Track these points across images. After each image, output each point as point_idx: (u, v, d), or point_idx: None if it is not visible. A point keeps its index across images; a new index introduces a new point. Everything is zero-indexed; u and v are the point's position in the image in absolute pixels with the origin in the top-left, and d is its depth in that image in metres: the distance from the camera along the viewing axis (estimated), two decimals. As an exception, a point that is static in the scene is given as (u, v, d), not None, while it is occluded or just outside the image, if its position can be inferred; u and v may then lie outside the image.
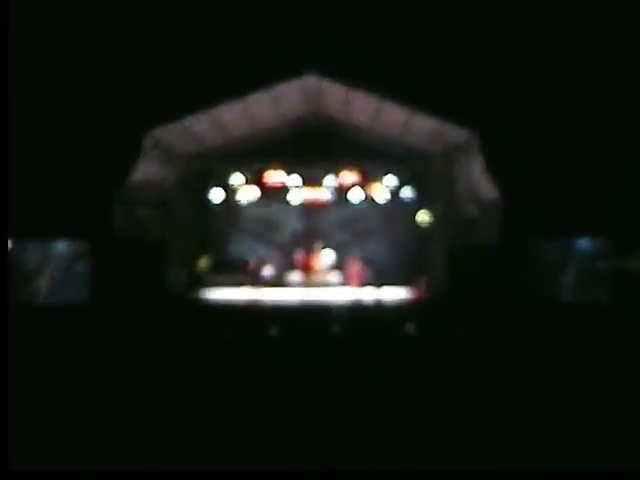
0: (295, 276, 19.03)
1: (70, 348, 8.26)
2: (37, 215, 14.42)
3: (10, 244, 14.62)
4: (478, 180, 16.11)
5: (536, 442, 4.77)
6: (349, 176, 19.66)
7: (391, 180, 19.73)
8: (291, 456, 4.63)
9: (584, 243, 15.02)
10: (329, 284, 18.58)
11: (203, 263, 18.92)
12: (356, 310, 14.37)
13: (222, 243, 20.27)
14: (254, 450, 4.71)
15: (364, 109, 17.02)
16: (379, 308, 15.05)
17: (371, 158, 18.96)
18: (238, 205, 20.24)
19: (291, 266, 19.36)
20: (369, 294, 16.47)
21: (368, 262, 18.01)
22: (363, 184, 19.76)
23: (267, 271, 18.82)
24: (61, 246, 15.48)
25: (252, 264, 18.62)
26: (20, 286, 14.56)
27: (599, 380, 6.41)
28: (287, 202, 20.09)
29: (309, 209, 20.26)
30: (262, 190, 19.80)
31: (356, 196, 19.78)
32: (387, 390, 6.16)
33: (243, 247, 20.20)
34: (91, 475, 4.31)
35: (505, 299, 13.86)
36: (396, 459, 4.57)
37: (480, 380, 6.51)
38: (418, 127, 16.76)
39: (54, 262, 15.29)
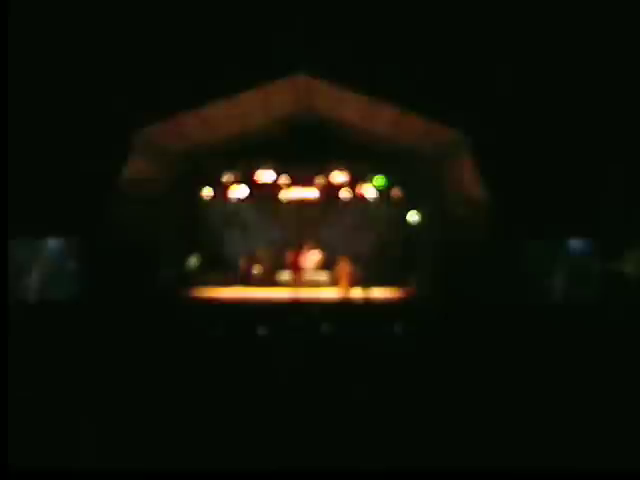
0: (284, 275, 19.02)
1: (59, 346, 8.28)
2: (27, 213, 14.36)
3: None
4: (468, 180, 16.15)
5: (526, 441, 4.80)
6: (339, 175, 19.70)
7: (381, 180, 19.76)
8: (281, 454, 4.65)
9: (574, 244, 15.11)
10: (318, 283, 18.67)
11: (193, 261, 18.91)
12: (345, 309, 14.44)
13: (212, 242, 20.32)
14: (244, 448, 4.73)
15: (354, 109, 17.02)
16: (367, 307, 15.10)
17: (361, 158, 19.02)
18: (228, 203, 20.31)
19: (280, 265, 19.33)
20: (358, 293, 16.54)
21: (357, 261, 18.07)
22: (353, 183, 19.83)
23: (256, 270, 18.87)
24: (51, 244, 15.45)
25: (242, 263, 18.64)
26: (11, 285, 14.53)
27: (585, 380, 6.43)
28: (277, 201, 20.16)
29: (299, 208, 20.31)
30: (252, 189, 19.80)
31: (346, 195, 19.86)
32: (373, 388, 6.17)
33: (233, 246, 20.25)
34: (87, 474, 4.36)
35: (494, 299, 13.92)
36: (385, 458, 4.58)
37: (467, 379, 6.52)
38: (408, 127, 16.75)
39: (44, 260, 15.27)
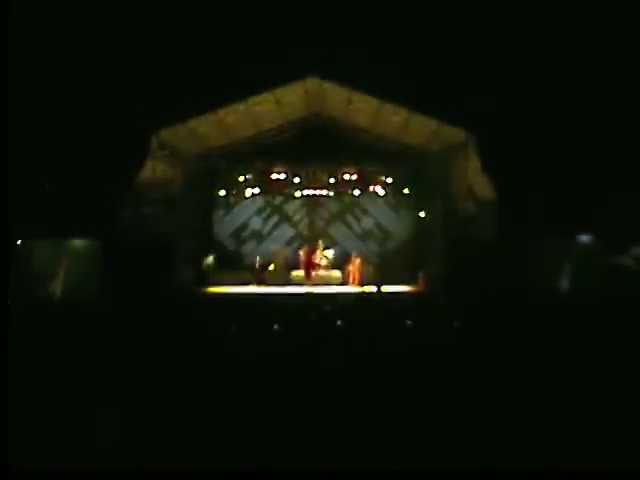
0: (297, 273, 19.03)
1: (81, 345, 7.87)
2: (49, 215, 14.57)
3: (22, 244, 14.84)
4: (475, 179, 16.26)
5: (532, 439, 4.62)
6: (350, 175, 19.87)
7: (391, 179, 19.98)
8: (292, 452, 4.52)
9: (580, 240, 15.23)
10: (331, 281, 18.62)
11: (209, 261, 18.98)
12: (357, 305, 14.40)
13: (227, 241, 20.47)
14: (259, 445, 4.60)
15: (364, 110, 17.17)
16: (379, 303, 15.06)
17: (371, 158, 19.25)
18: (243, 204, 20.49)
19: (294, 263, 19.36)
20: (370, 290, 16.56)
21: (369, 259, 18.24)
22: (363, 183, 20.01)
23: (271, 268, 19.01)
24: (73, 245, 15.71)
25: (257, 262, 18.87)
26: (33, 284, 14.73)
27: (590, 375, 6.11)
28: (290, 201, 20.37)
29: (311, 208, 20.50)
30: (266, 189, 20.05)
31: (357, 195, 20.07)
32: (384, 384, 6.04)
33: (248, 245, 20.43)
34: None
35: (502, 295, 13.74)
36: (396, 456, 4.48)
37: (475, 375, 6.23)
38: (417, 127, 16.91)
39: (66, 260, 15.46)
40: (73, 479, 4.15)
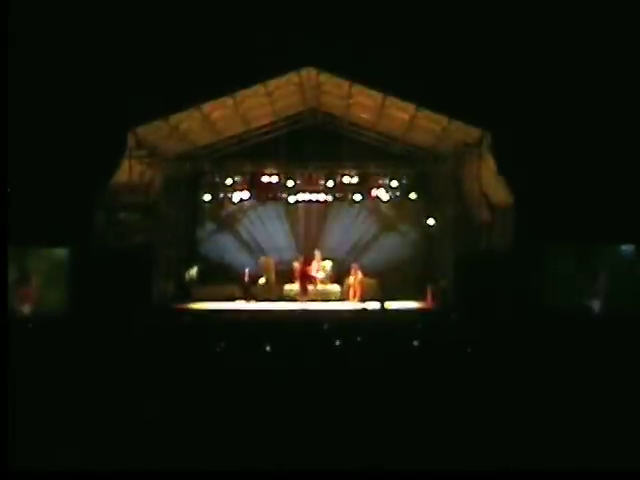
0: (292, 288, 18.78)
1: (47, 365, 7.99)
2: (11, 221, 14.30)
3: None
4: (490, 182, 16.11)
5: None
6: (350, 178, 19.59)
7: (396, 182, 19.64)
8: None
9: (609, 250, 15.16)
10: (329, 296, 18.46)
11: (192, 273, 18.88)
12: (358, 323, 14.29)
13: (213, 251, 20.24)
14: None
15: (366, 106, 17.11)
16: (383, 321, 14.95)
17: (374, 158, 19.07)
18: (230, 210, 20.27)
19: (287, 277, 19.11)
20: (372, 306, 16.46)
21: (371, 271, 18.05)
22: (365, 187, 19.68)
23: (261, 282, 18.77)
24: (38, 255, 15.56)
25: (246, 274, 18.62)
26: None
27: (619, 398, 6.11)
28: (283, 206, 20.13)
29: (307, 214, 20.28)
30: (256, 193, 19.76)
31: (358, 200, 19.75)
32: (388, 412, 6.00)
33: (236, 256, 20.15)
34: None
35: (520, 311, 13.80)
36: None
37: (487, 397, 6.40)
38: (425, 125, 16.79)
39: (34, 271, 15.29)
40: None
